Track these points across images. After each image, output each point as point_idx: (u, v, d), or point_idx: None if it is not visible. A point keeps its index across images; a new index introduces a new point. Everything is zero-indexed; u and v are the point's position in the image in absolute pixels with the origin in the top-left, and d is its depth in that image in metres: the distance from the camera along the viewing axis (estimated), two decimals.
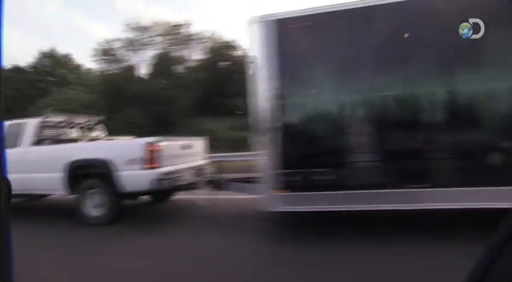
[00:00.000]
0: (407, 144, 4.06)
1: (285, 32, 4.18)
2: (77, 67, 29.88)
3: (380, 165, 4.07)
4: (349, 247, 3.89)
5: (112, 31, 45.75)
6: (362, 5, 4.00)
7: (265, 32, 4.23)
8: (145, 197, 6.55)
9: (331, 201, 4.17)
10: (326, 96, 4.16)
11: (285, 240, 4.40)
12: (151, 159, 5.01)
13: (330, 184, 4.13)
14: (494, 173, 3.90)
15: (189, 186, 5.96)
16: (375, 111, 4.05)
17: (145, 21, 21.45)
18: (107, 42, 22.11)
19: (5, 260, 0.82)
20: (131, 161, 4.99)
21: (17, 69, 26.66)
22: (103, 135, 7.19)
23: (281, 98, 4.20)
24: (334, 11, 4.07)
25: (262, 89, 4.27)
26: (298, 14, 4.17)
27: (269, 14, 4.29)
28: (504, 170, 3.90)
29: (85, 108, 17.00)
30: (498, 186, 3.84)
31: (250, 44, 4.41)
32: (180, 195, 6.78)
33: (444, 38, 3.96)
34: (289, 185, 4.21)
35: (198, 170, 6.07)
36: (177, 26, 21.07)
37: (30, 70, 27.84)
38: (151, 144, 5.05)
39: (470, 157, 3.94)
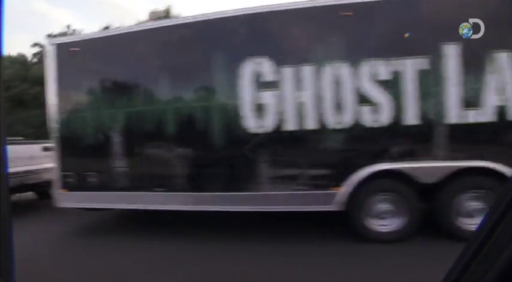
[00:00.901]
0: (151, 154, 4.61)
1: (63, 55, 4.86)
2: None
3: (131, 171, 4.66)
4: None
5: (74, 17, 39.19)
6: (114, 33, 4.65)
7: (51, 54, 4.94)
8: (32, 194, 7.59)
9: (100, 200, 4.83)
10: (90, 112, 4.81)
11: (88, 230, 5.36)
12: None
13: (97, 185, 4.79)
14: (222, 180, 4.37)
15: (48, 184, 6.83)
16: (127, 124, 4.63)
17: None
18: None
19: (6, 259, 0.81)
20: None
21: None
22: None
23: (59, 112, 4.91)
24: (95, 38, 4.70)
25: (50, 104, 5.01)
26: (71, 40, 4.84)
27: (57, 39, 5.01)
28: (232, 178, 4.36)
29: None
30: (225, 192, 4.32)
31: (46, 63, 5.14)
32: None
33: (183, 64, 4.45)
34: (67, 185, 4.92)
35: None
36: None
37: None
38: None
39: (199, 167, 4.43)
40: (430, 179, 3.89)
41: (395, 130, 3.92)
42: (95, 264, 3.79)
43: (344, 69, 3.98)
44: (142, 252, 4.08)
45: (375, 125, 3.93)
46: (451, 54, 3.83)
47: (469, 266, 0.68)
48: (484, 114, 3.78)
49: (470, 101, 3.82)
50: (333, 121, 4.01)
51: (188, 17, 4.35)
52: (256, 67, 4.16)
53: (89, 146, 4.81)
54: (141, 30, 4.52)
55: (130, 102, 4.60)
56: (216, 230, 4.77)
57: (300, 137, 4.10)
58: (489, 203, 3.89)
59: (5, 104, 0.96)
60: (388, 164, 3.93)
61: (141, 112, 4.55)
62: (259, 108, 4.16)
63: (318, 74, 4.03)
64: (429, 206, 4.01)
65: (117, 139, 4.65)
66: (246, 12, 4.17)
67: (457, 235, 3.89)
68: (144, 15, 37.89)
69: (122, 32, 4.59)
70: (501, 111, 3.76)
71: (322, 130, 4.03)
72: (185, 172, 4.43)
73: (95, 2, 39.79)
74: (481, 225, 0.68)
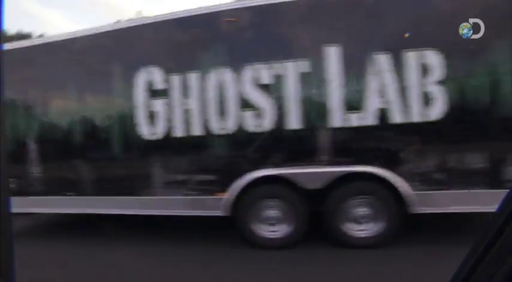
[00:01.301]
0: (62, 160, 4.79)
1: None
2: None
3: (45, 176, 4.86)
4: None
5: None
6: (26, 45, 4.85)
7: None
8: None
9: (19, 205, 5.05)
10: (8, 120, 5.04)
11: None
12: None
13: (16, 191, 5.01)
14: (122, 185, 4.49)
15: None
16: (41, 132, 4.83)
17: None
18: None
19: (6, 258, 0.81)
20: None
21: None
22: None
23: None
24: (10, 49, 4.91)
25: None
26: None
27: None
28: (130, 183, 4.47)
29: None
30: (127, 196, 4.44)
31: None
32: None
33: (86, 75, 4.61)
34: None
35: None
36: None
37: None
38: None
39: (100, 172, 4.57)
40: (314, 185, 3.82)
41: (278, 135, 3.88)
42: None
43: (227, 75, 3.98)
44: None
45: (258, 130, 3.91)
46: (333, 56, 3.75)
47: (476, 268, 0.68)
48: (366, 118, 3.69)
49: (353, 105, 3.73)
50: (216, 127, 4.02)
51: (89, 29, 4.51)
52: (147, 76, 4.23)
53: (9, 153, 5.04)
54: (47, 43, 4.71)
55: (42, 111, 4.81)
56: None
57: (187, 143, 4.14)
58: (374, 208, 3.78)
59: (5, 103, 0.96)
60: (269, 169, 3.90)
61: (51, 121, 4.76)
62: (151, 116, 4.23)
63: (202, 81, 4.05)
64: (318, 212, 3.94)
65: (35, 147, 4.86)
66: (134, 24, 4.28)
67: (342, 241, 3.82)
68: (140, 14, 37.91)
69: (33, 43, 4.80)
70: (383, 114, 3.65)
71: (207, 136, 4.05)
72: (90, 177, 4.58)
73: (88, 3, 38.26)
74: (487, 228, 0.68)
